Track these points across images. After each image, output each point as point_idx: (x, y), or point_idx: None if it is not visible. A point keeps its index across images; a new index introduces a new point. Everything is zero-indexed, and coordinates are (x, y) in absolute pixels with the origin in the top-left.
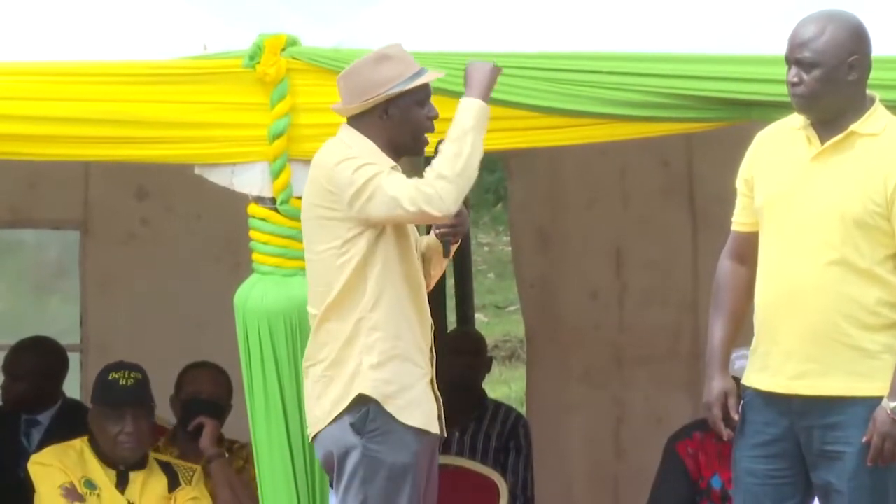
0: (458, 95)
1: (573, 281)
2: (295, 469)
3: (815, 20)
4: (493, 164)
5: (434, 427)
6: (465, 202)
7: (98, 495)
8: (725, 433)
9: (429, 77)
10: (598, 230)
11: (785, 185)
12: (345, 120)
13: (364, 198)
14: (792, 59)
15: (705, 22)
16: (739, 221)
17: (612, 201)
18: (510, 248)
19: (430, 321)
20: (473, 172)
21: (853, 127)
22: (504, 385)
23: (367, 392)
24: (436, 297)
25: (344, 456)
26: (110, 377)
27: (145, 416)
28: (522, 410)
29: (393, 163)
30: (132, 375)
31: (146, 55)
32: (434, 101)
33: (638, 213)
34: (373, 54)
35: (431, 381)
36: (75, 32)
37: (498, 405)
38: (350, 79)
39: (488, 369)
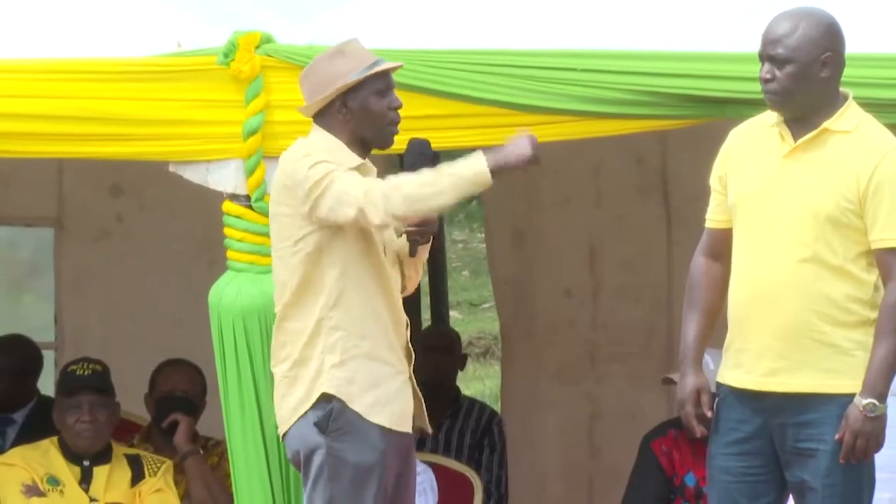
0: (428, 92)
1: (547, 278)
2: (269, 466)
3: (789, 17)
4: None
5: (405, 426)
6: None
7: (61, 491)
8: (698, 430)
9: (383, 66)
10: (572, 227)
11: (757, 182)
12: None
13: (315, 195)
14: (765, 56)
15: (680, 19)
16: (713, 218)
17: (586, 199)
18: (485, 246)
19: (404, 319)
20: (427, 210)
21: (826, 124)
22: (478, 382)
23: (331, 391)
24: (410, 295)
25: (310, 455)
26: (69, 369)
27: (103, 406)
28: (497, 407)
29: (357, 161)
30: (90, 367)
31: (120, 52)
32: (403, 96)
33: (612, 210)
34: (328, 51)
35: (410, 378)
36: (49, 30)
37: (472, 402)
38: (308, 78)
39: (462, 366)
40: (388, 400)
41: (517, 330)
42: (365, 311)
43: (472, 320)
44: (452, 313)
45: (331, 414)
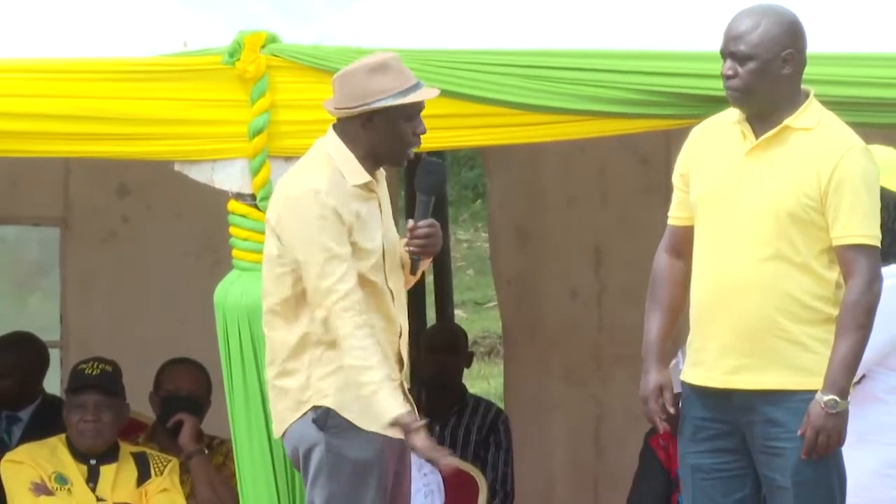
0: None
1: (552, 279)
2: (274, 465)
3: (751, 14)
4: (473, 160)
5: (398, 432)
6: (443, 199)
7: (69, 490)
8: (661, 426)
9: (421, 95)
10: (576, 228)
11: (719, 180)
12: (334, 118)
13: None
14: (726, 52)
15: (684, 18)
16: (675, 216)
17: (591, 199)
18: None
19: (398, 328)
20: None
21: (787, 121)
22: (483, 380)
23: (321, 403)
24: (415, 294)
25: (309, 452)
26: (79, 367)
27: (108, 406)
28: (501, 406)
29: (364, 178)
30: (100, 366)
31: (126, 52)
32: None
33: (617, 211)
34: (371, 61)
35: (401, 384)
36: (55, 29)
37: (478, 400)
38: (343, 81)
39: (468, 364)
40: None
41: (520, 330)
42: None
43: (477, 319)
44: (457, 312)
45: (328, 412)
